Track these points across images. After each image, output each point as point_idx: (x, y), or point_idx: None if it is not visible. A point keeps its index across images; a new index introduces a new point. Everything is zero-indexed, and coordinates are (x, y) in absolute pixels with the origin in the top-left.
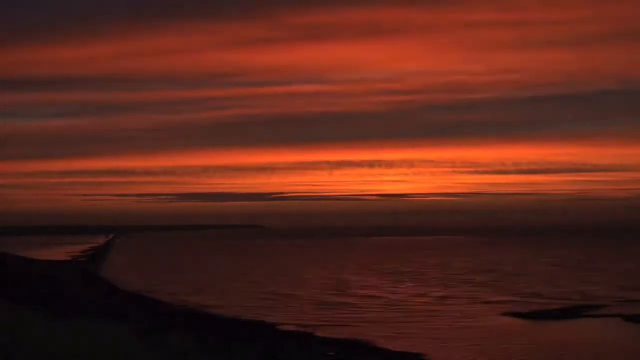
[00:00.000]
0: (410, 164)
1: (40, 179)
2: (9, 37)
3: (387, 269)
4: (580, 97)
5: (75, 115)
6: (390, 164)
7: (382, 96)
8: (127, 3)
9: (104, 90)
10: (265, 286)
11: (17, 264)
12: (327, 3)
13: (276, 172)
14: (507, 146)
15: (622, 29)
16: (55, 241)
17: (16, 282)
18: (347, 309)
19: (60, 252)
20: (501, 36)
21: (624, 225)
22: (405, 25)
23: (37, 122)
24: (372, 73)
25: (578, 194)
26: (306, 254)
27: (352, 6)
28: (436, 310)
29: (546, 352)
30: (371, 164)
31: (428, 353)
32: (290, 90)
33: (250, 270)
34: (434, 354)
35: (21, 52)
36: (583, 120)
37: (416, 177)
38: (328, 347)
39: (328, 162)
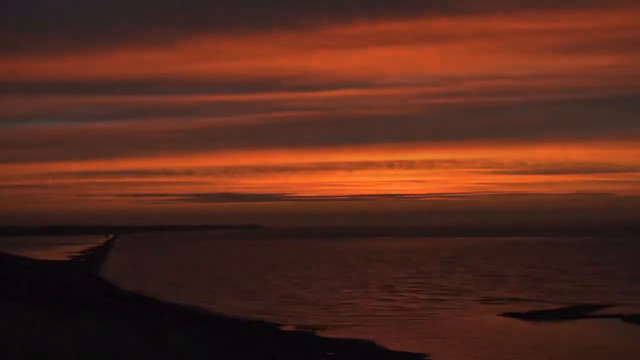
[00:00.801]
0: (431, 164)
1: (41, 179)
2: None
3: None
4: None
5: (76, 119)
6: (410, 164)
7: (420, 99)
8: (158, 11)
9: (102, 93)
10: (265, 287)
11: (17, 264)
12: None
13: (276, 172)
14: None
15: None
16: (55, 241)
17: (16, 282)
18: (347, 309)
19: (60, 252)
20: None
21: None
22: (449, 31)
23: (35, 126)
24: (404, 77)
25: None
26: (309, 254)
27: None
28: (436, 310)
29: (546, 352)
30: (390, 164)
31: (429, 353)
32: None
33: (250, 270)
34: (435, 354)
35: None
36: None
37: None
38: (328, 347)
39: (347, 163)
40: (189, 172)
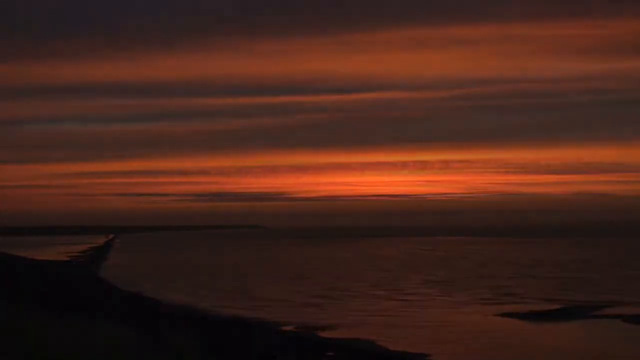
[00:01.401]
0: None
1: (40, 180)
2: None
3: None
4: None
5: (77, 120)
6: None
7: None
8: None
9: (102, 94)
10: (266, 286)
11: (16, 264)
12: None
13: (276, 172)
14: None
15: None
16: (55, 241)
17: (16, 282)
18: (347, 309)
19: (60, 252)
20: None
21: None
22: (466, 35)
23: (37, 127)
24: (413, 78)
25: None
26: (309, 254)
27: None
28: (436, 310)
29: (546, 353)
30: (404, 165)
31: (429, 353)
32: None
33: (250, 270)
34: (435, 354)
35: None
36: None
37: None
38: (328, 347)
39: (360, 163)
40: (188, 172)
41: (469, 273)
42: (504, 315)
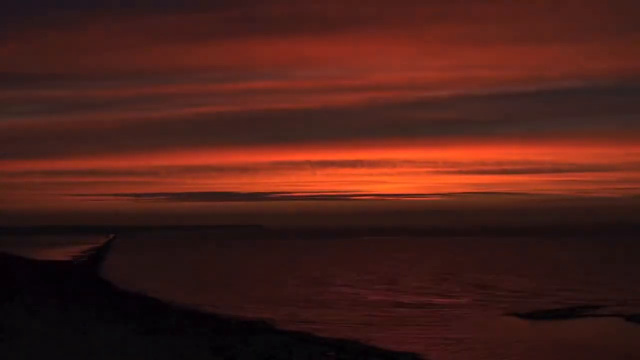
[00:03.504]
0: (392, 164)
1: (40, 178)
2: None
3: (378, 269)
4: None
5: (69, 112)
6: (372, 164)
7: (354, 93)
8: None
9: (97, 87)
10: (266, 286)
11: (17, 264)
12: None
13: (259, 172)
14: (486, 145)
15: (584, 26)
16: (55, 241)
17: (16, 282)
18: (347, 309)
19: (60, 252)
20: (469, 31)
21: (612, 225)
22: (376, 18)
23: (30, 119)
24: (342, 69)
25: (563, 193)
26: (308, 254)
27: None
28: (436, 310)
29: (546, 352)
30: (353, 164)
31: (428, 353)
32: (256, 86)
33: (250, 270)
34: (434, 354)
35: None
36: (557, 118)
37: (399, 177)
38: (328, 347)
39: (310, 162)
40: (188, 172)
41: (465, 272)
42: (504, 314)
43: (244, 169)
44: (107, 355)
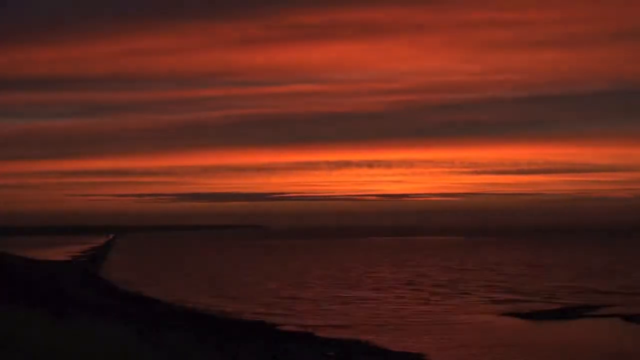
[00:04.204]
0: (410, 164)
1: (41, 179)
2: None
3: (387, 269)
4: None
5: (75, 115)
6: (388, 164)
7: (379, 96)
8: (127, 3)
9: (104, 90)
10: (266, 286)
11: (17, 264)
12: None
13: (275, 172)
14: (506, 146)
15: (617, 29)
16: (55, 241)
17: (16, 282)
18: (346, 309)
19: (60, 252)
20: (496, 35)
21: (624, 225)
22: (400, 24)
23: (37, 122)
24: (369, 73)
25: (577, 194)
26: (308, 254)
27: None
28: (435, 310)
29: (546, 352)
30: (370, 164)
31: (428, 353)
32: (288, 89)
33: (250, 270)
34: (434, 354)
35: (21, 52)
36: (581, 120)
37: (415, 177)
38: (328, 347)
39: (327, 162)
40: (189, 172)
41: (468, 274)
42: (504, 314)
43: (265, 169)
44: (106, 355)
